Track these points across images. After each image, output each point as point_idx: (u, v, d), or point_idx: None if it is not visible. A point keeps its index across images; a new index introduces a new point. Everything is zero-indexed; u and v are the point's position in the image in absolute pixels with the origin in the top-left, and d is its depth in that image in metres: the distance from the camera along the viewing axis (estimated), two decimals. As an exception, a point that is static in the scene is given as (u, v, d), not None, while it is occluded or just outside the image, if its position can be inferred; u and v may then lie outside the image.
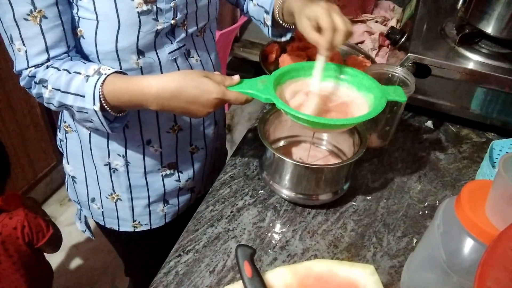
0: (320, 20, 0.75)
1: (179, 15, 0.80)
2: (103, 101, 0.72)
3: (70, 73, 0.73)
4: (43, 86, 0.75)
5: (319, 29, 0.76)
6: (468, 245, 0.58)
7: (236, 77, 0.76)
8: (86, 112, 0.73)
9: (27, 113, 1.91)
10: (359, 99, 0.82)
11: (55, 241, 1.30)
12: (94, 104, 0.71)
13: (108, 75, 0.72)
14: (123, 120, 0.80)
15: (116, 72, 0.74)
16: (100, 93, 0.71)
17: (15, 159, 1.92)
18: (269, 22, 0.92)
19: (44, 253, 1.35)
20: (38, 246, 1.24)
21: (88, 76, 0.72)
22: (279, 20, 0.90)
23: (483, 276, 0.47)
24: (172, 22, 0.79)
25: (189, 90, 0.71)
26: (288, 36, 0.97)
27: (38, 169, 2.08)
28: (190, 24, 0.84)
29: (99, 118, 0.73)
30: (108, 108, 0.73)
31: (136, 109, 0.84)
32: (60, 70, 0.74)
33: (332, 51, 0.76)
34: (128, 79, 0.73)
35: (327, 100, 0.83)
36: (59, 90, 0.74)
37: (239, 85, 0.76)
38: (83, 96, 0.72)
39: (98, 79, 0.71)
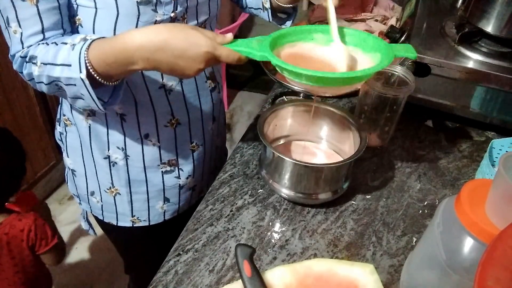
0: None
1: (179, 8, 0.79)
2: (89, 67, 0.67)
3: (57, 44, 0.70)
4: (33, 63, 0.72)
5: None
6: (468, 244, 0.58)
7: (229, 35, 0.70)
8: (75, 84, 0.69)
9: (26, 113, 1.91)
10: (366, 60, 0.77)
11: (57, 252, 1.30)
12: (81, 72, 0.67)
13: (94, 40, 0.68)
14: (117, 97, 0.76)
15: (103, 38, 0.70)
16: (86, 58, 0.67)
17: (14, 158, 1.92)
18: (267, 5, 0.93)
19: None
20: (40, 253, 1.24)
21: (74, 44, 0.68)
22: (275, 1, 0.91)
23: (483, 275, 0.46)
24: (172, 15, 0.79)
25: (176, 42, 0.65)
26: (288, 24, 0.97)
27: (37, 168, 2.08)
28: (190, 18, 0.84)
29: (87, 89, 0.69)
30: (95, 75, 0.68)
31: (126, 74, 0.74)
32: (49, 44, 0.71)
33: None
34: (112, 38, 0.68)
35: (332, 64, 0.78)
36: (47, 64, 0.70)
37: (233, 43, 0.70)
38: (70, 65, 0.68)
39: (83, 44, 0.67)
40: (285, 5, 0.92)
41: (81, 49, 0.67)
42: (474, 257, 0.57)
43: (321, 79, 0.68)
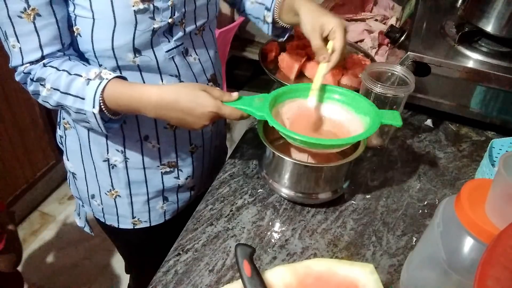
0: (336, 39, 0.81)
1: (176, 14, 0.79)
2: (102, 105, 0.74)
3: (70, 74, 0.74)
4: (41, 84, 0.76)
5: (324, 38, 0.82)
6: (468, 244, 0.58)
7: (235, 94, 0.78)
8: (84, 114, 0.75)
9: (26, 113, 1.90)
10: (356, 121, 0.84)
11: (8, 257, 1.23)
12: (94, 107, 0.74)
13: (109, 80, 0.74)
14: (119, 121, 0.82)
15: (117, 77, 0.75)
16: (100, 97, 0.73)
17: (14, 158, 1.92)
18: (269, 19, 0.94)
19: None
20: None
21: (89, 79, 0.74)
22: (276, 18, 0.93)
23: (483, 275, 0.46)
24: (170, 20, 0.79)
25: (185, 102, 0.74)
26: (285, 37, 0.99)
27: (37, 168, 2.08)
28: (188, 22, 0.84)
29: (96, 120, 0.75)
30: (106, 111, 0.75)
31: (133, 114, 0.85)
32: (59, 70, 0.75)
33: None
34: (129, 86, 0.75)
35: (325, 121, 0.86)
36: (58, 90, 0.75)
37: (237, 101, 0.78)
38: (83, 99, 0.74)
39: (100, 83, 0.73)
40: (286, 25, 0.94)
41: (97, 87, 0.73)
42: (474, 257, 0.57)
43: (313, 144, 0.77)
